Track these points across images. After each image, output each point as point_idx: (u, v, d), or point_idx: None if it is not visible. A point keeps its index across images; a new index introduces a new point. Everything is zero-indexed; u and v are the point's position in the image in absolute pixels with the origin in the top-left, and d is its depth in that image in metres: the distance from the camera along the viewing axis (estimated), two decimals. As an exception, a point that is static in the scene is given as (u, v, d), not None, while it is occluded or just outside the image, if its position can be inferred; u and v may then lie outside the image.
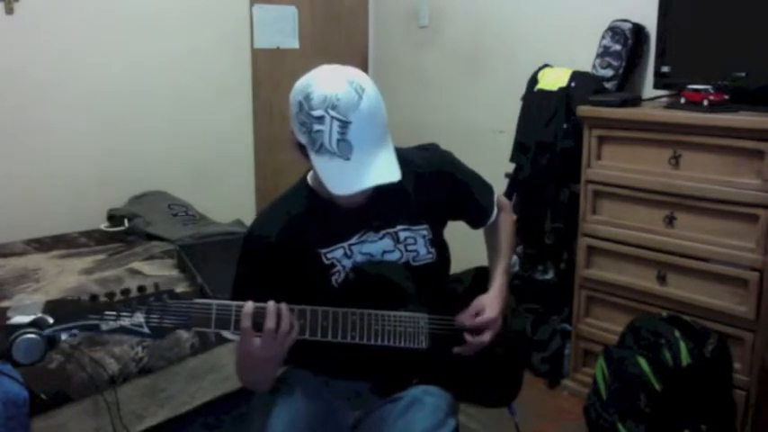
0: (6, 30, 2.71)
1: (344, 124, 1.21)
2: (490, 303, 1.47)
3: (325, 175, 1.24)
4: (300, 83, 1.27)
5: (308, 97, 1.23)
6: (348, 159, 1.22)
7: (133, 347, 1.86)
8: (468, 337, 1.44)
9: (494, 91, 3.30)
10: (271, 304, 1.25)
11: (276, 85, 3.57)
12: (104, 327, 1.16)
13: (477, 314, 1.45)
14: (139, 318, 1.18)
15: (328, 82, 1.23)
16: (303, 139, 1.26)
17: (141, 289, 1.20)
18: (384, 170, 1.24)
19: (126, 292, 1.19)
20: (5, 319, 1.89)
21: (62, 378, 1.72)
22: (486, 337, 1.45)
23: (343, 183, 1.23)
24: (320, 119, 1.21)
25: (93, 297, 1.17)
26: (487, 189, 1.61)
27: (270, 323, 1.23)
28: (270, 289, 1.31)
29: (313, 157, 1.25)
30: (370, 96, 1.24)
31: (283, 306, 1.26)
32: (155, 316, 1.19)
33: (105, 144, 3.04)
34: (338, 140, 1.21)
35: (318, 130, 1.22)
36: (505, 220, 1.64)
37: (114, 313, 1.17)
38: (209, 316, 1.23)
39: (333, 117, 1.20)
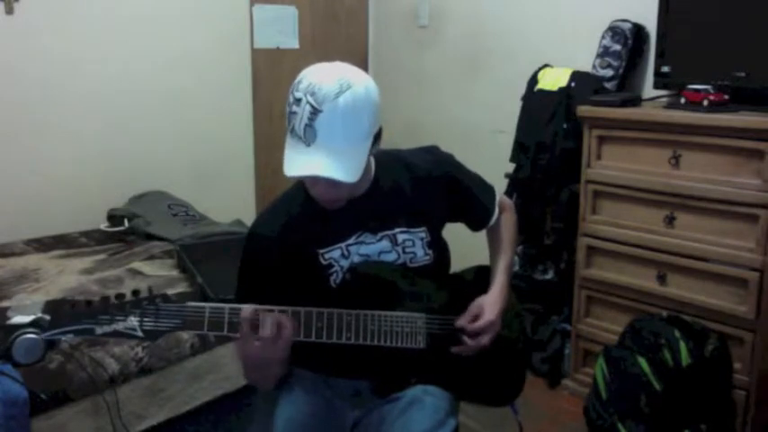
0: (6, 30, 2.71)
1: (315, 111, 1.22)
2: (489, 305, 1.47)
3: (286, 156, 1.26)
4: (305, 69, 1.30)
5: (299, 80, 1.26)
6: (308, 146, 1.23)
7: (133, 348, 1.86)
8: (467, 340, 1.44)
9: (494, 91, 3.30)
10: (264, 308, 1.25)
11: (276, 85, 3.57)
12: (99, 330, 1.18)
13: (476, 317, 1.45)
14: (133, 321, 1.19)
15: (321, 72, 1.26)
16: (286, 120, 1.29)
17: (135, 293, 1.21)
18: (334, 166, 1.23)
19: (120, 296, 1.20)
20: (5, 318, 1.90)
21: (62, 378, 1.72)
22: (486, 339, 1.45)
23: (292, 165, 1.24)
24: (298, 101, 1.24)
25: (89, 302, 1.19)
26: (489, 191, 1.60)
27: (264, 325, 1.24)
28: (272, 289, 1.32)
29: (287, 137, 1.28)
30: (355, 95, 1.24)
31: (276, 310, 1.26)
32: (148, 319, 1.20)
33: (105, 144, 3.04)
34: (306, 126, 1.23)
35: (294, 112, 1.24)
36: (507, 219, 1.63)
37: (108, 317, 1.18)
38: (202, 319, 1.24)
39: (308, 102, 1.23)
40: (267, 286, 1.36)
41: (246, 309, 1.25)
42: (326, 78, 1.24)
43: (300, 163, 1.24)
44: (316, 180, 1.28)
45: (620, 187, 2.39)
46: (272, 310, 1.26)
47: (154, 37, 3.12)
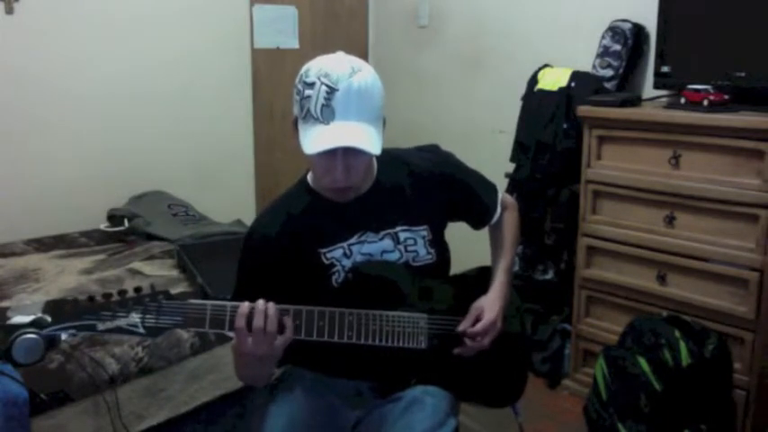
0: (6, 30, 2.71)
1: (331, 90, 1.24)
2: (489, 306, 1.47)
3: (304, 139, 1.27)
4: (307, 63, 1.32)
5: (308, 69, 1.29)
6: (328, 124, 1.25)
7: (133, 347, 1.86)
8: (468, 342, 1.44)
9: (494, 91, 3.30)
10: (259, 303, 1.25)
11: (276, 85, 3.57)
12: (101, 327, 1.18)
13: (477, 319, 1.45)
14: (135, 318, 1.19)
15: (328, 59, 1.30)
16: (296, 110, 1.30)
17: (137, 290, 1.21)
18: (358, 137, 1.24)
19: (122, 292, 1.20)
20: (5, 318, 1.90)
21: (62, 378, 1.72)
22: (487, 340, 1.45)
23: (315, 142, 1.25)
24: (311, 84, 1.26)
25: (91, 298, 1.19)
26: (490, 188, 1.60)
27: (258, 322, 1.24)
28: (271, 288, 1.32)
29: (300, 126, 1.29)
30: (365, 77, 1.27)
31: (271, 305, 1.26)
32: (150, 316, 1.20)
33: (105, 144, 3.04)
34: (323, 105, 1.24)
35: (307, 96, 1.26)
36: (510, 218, 1.63)
37: (110, 313, 1.18)
38: (204, 316, 1.24)
39: (323, 83, 1.25)
40: (265, 286, 1.36)
41: (244, 305, 1.25)
42: (337, 63, 1.27)
43: (322, 138, 1.24)
44: (333, 164, 1.28)
45: (620, 187, 2.38)
46: (267, 307, 1.26)
47: (154, 37, 3.12)
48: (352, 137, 1.24)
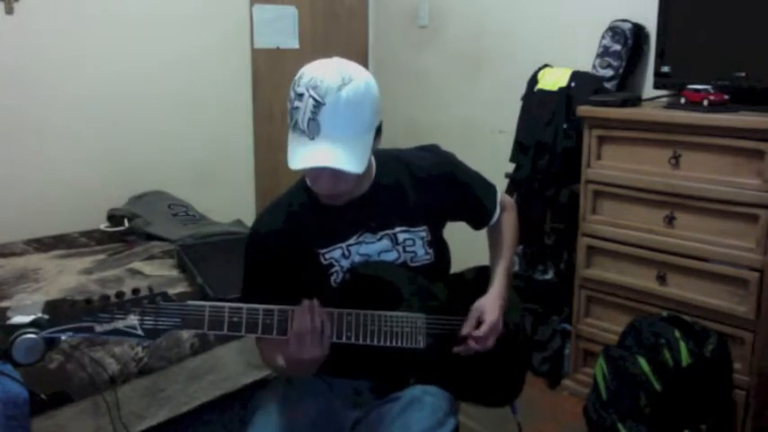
0: (6, 30, 2.71)
1: (318, 105, 1.23)
2: (490, 307, 1.47)
3: (289, 150, 1.27)
4: (304, 66, 1.31)
5: (300, 76, 1.27)
6: (312, 139, 1.24)
7: (133, 347, 1.86)
8: (473, 344, 1.44)
9: (494, 91, 3.30)
10: (314, 303, 1.28)
11: (276, 85, 3.57)
12: (99, 329, 1.18)
13: (479, 321, 1.45)
14: (133, 320, 1.20)
15: (322, 66, 1.27)
16: (288, 117, 1.29)
17: (135, 291, 1.21)
18: (340, 157, 1.23)
19: (120, 294, 1.20)
20: (5, 319, 1.90)
21: (62, 378, 1.72)
22: (491, 342, 1.44)
23: (296, 158, 1.24)
24: (300, 96, 1.25)
25: (88, 300, 1.19)
26: (490, 189, 1.60)
27: (315, 323, 1.26)
28: (277, 286, 1.32)
29: (289, 134, 1.28)
30: (357, 87, 1.25)
31: (316, 303, 1.28)
32: (148, 318, 1.21)
33: (105, 144, 3.04)
34: (309, 119, 1.23)
35: (296, 107, 1.25)
36: (509, 218, 1.63)
37: (108, 315, 1.18)
38: (202, 317, 1.24)
39: (310, 96, 1.23)
40: (272, 284, 1.37)
41: (305, 303, 1.27)
42: (328, 72, 1.25)
43: (305, 155, 1.24)
44: (319, 174, 1.28)
45: (620, 187, 2.38)
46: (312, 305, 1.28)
47: (154, 37, 3.12)
48: (333, 157, 1.23)
